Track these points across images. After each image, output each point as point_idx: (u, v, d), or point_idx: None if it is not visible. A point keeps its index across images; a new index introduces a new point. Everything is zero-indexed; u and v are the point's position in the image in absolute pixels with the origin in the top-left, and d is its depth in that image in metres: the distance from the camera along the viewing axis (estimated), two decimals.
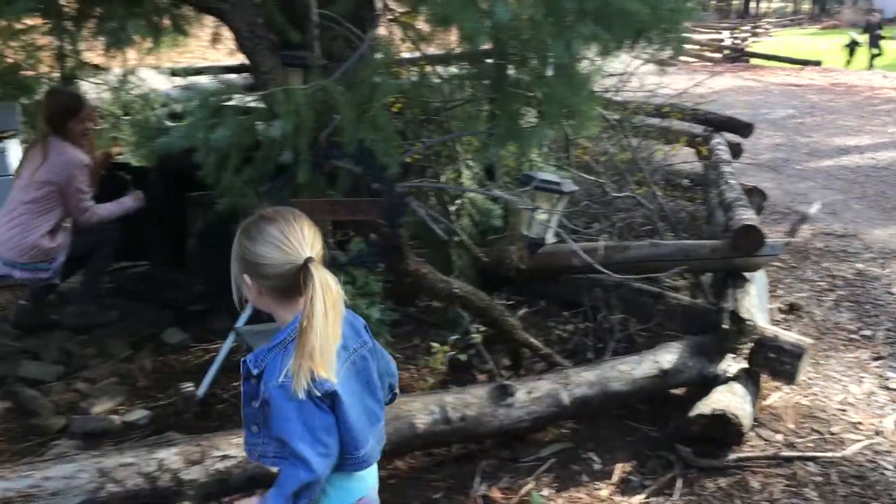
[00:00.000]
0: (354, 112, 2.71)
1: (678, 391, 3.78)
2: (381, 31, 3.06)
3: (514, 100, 2.76)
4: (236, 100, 2.50)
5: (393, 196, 2.65)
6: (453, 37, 3.47)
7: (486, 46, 2.67)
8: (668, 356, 3.60)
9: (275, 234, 1.77)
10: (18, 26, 5.41)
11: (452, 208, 4.32)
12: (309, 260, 1.76)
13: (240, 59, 5.62)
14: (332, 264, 2.81)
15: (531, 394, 3.24)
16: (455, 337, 4.07)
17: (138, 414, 3.55)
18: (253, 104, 2.94)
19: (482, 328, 4.03)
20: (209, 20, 5.58)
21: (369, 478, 1.99)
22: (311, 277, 1.73)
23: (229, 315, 4.09)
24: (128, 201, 4.43)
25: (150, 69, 6.34)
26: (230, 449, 2.64)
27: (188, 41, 5.76)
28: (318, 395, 1.72)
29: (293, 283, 1.77)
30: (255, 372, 1.79)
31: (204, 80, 8.38)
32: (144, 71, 6.31)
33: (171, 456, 2.54)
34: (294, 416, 1.73)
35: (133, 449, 2.57)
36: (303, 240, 1.79)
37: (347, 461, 1.86)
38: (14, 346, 4.20)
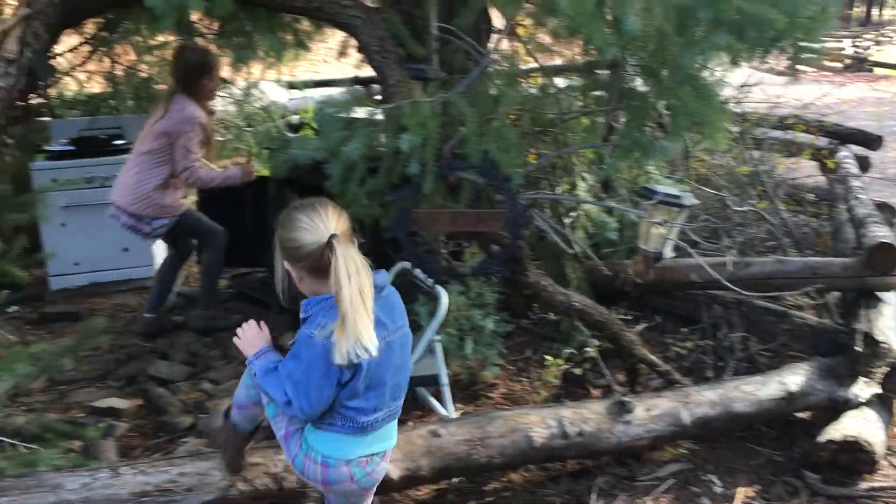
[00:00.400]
0: (478, 124, 2.73)
1: (803, 414, 3.62)
2: (501, 42, 3.06)
3: (640, 111, 2.72)
4: (365, 112, 2.55)
5: (516, 207, 2.65)
6: (574, 48, 3.45)
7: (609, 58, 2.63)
8: (795, 378, 3.45)
9: (302, 218, 2.02)
10: (153, 42, 5.73)
11: (567, 220, 4.29)
12: (333, 237, 1.98)
13: (351, 71, 5.80)
14: (453, 275, 2.84)
15: (650, 411, 3.17)
16: (569, 350, 4.04)
17: None
18: (378, 116, 2.99)
19: (597, 342, 3.98)
20: (328, 35, 5.78)
21: (375, 441, 2.21)
22: (334, 251, 1.96)
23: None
24: (235, 172, 4.36)
25: (270, 82, 6.59)
26: None
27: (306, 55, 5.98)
28: (343, 363, 1.95)
29: (323, 261, 1.99)
30: (301, 316, 2.10)
31: (326, 91, 8.67)
32: (265, 84, 6.57)
33: None
34: (300, 360, 2.04)
35: (261, 450, 2.65)
36: (327, 220, 2.02)
37: (349, 424, 2.12)
38: (144, 346, 4.41)
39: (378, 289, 2.09)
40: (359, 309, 1.95)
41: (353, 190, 2.95)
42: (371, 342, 1.96)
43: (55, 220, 4.90)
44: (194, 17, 4.94)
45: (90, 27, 4.92)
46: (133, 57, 5.93)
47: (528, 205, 2.66)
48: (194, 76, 4.07)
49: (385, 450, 2.28)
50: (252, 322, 2.37)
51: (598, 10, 2.46)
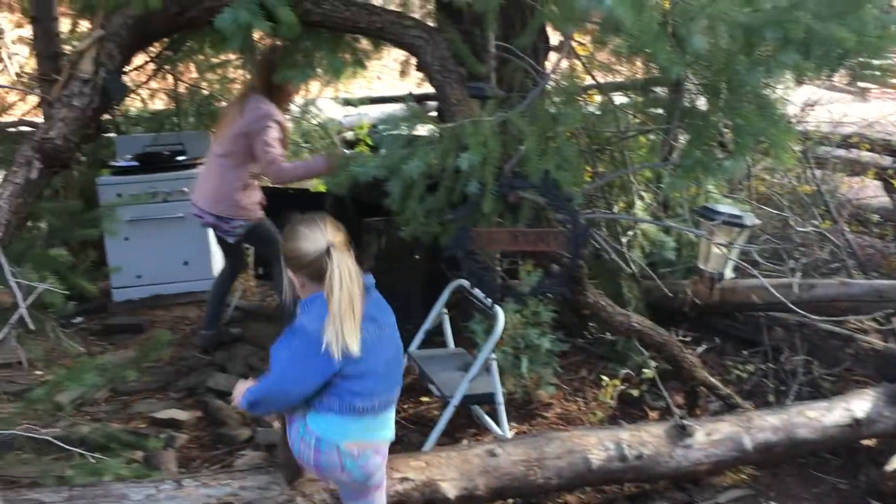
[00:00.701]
0: (538, 142, 2.73)
1: (869, 442, 3.51)
2: (556, 60, 3.05)
3: (702, 130, 2.68)
4: (426, 130, 2.57)
5: (577, 227, 2.63)
6: (634, 66, 3.43)
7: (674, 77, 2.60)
8: (861, 404, 3.35)
9: (304, 231, 2.29)
10: (215, 60, 5.85)
11: (624, 239, 4.25)
12: (330, 245, 2.24)
13: (405, 87, 5.84)
14: (511, 294, 2.83)
15: (711, 436, 3.10)
16: (625, 370, 3.99)
17: None
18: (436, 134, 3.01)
19: (654, 363, 3.93)
20: (384, 52, 5.84)
21: (369, 429, 2.36)
22: (331, 258, 2.22)
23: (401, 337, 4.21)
24: (319, 161, 4.23)
25: (327, 99, 6.68)
26: (409, 471, 2.69)
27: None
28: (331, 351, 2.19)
29: (322, 268, 2.23)
30: (298, 313, 2.33)
31: (382, 108, 8.75)
32: (322, 101, 6.66)
33: None
34: (291, 344, 2.26)
35: None
36: (325, 232, 2.28)
37: (347, 407, 2.30)
38: (203, 358, 4.49)
39: (367, 290, 2.35)
40: (346, 313, 2.21)
41: (412, 208, 2.97)
42: (354, 344, 2.21)
43: (119, 234, 5.03)
44: (257, 35, 5.07)
45: (155, 46, 5.06)
46: (195, 74, 6.07)
47: (588, 224, 2.64)
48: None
49: (378, 442, 2.41)
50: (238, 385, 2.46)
51: (662, 30, 2.44)
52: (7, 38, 10.03)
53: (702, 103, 2.88)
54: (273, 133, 3.99)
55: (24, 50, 9.61)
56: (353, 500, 2.45)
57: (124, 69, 2.84)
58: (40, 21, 5.05)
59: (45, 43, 5.05)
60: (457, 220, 2.73)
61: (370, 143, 7.58)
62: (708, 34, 2.41)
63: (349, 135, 7.86)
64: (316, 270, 2.24)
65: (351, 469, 2.32)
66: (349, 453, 2.31)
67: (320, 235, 2.26)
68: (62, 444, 2.48)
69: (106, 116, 5.73)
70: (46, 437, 2.47)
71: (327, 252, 2.23)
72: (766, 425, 3.20)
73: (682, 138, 3.58)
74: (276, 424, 3.30)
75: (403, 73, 3.83)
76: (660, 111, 4.25)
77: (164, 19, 2.79)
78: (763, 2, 2.42)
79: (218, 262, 5.57)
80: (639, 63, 3.23)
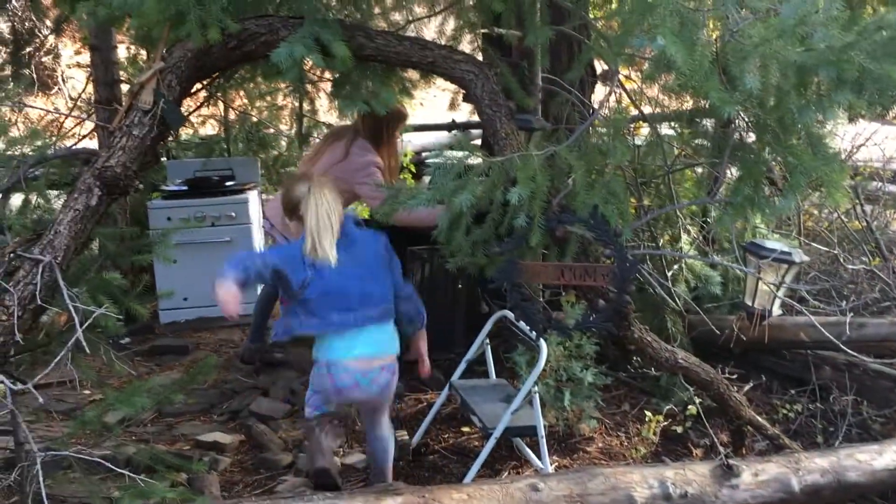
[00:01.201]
0: (586, 177, 2.74)
1: None
2: (605, 94, 3.06)
3: (753, 167, 2.67)
4: (477, 163, 2.60)
5: (624, 262, 2.63)
6: (683, 101, 3.43)
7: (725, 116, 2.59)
8: None
9: (295, 181, 2.92)
10: (265, 88, 5.99)
11: (669, 273, 4.22)
12: (310, 186, 2.80)
13: (447, 115, 5.90)
14: (557, 328, 2.83)
15: (758, 476, 3.05)
16: (669, 406, 3.95)
17: (356, 457, 3.71)
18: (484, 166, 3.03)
19: (699, 399, 3.88)
20: (430, 82, 5.91)
21: (363, 344, 2.86)
22: (310, 192, 2.78)
23: (441, 369, 4.22)
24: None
25: None
26: (451, 503, 2.68)
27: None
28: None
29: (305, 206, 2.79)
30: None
31: (423, 136, 8.84)
32: None
33: None
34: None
35: (363, 493, 2.68)
36: (310, 181, 2.84)
37: (325, 322, 2.79)
38: (247, 381, 4.55)
39: (344, 233, 2.82)
40: (324, 229, 2.75)
41: (458, 239, 2.99)
42: (331, 254, 2.74)
43: (171, 260, 5.13)
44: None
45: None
46: (245, 101, 6.21)
47: (636, 260, 2.64)
48: (386, 121, 4.21)
49: (380, 357, 2.92)
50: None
51: (713, 68, 2.45)
52: (63, 62, 10.35)
53: (751, 138, 2.87)
54: (378, 178, 4.19)
55: (79, 74, 9.93)
56: (372, 421, 3.08)
57: (183, 100, 2.91)
58: (99, 50, 5.21)
59: (103, 71, 5.21)
60: (504, 253, 2.74)
61: (413, 169, 7.67)
62: (760, 72, 2.41)
63: None
64: (302, 210, 2.80)
65: (365, 384, 2.85)
66: (356, 370, 2.82)
67: (305, 184, 2.83)
68: (111, 466, 2.51)
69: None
70: (97, 459, 2.51)
71: (308, 190, 2.78)
72: (814, 467, 3.13)
73: (730, 172, 3.57)
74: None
75: (453, 106, 3.87)
76: (706, 143, 4.25)
77: (223, 52, 2.86)
78: (816, 41, 2.41)
79: (262, 286, 5.65)
80: (688, 98, 3.24)
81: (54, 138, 4.60)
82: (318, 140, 6.16)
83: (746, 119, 2.68)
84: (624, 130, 3.22)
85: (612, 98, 3.66)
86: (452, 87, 3.60)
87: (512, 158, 2.64)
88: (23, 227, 2.72)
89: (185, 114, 5.74)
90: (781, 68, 2.48)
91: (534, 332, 3.42)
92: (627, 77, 4.48)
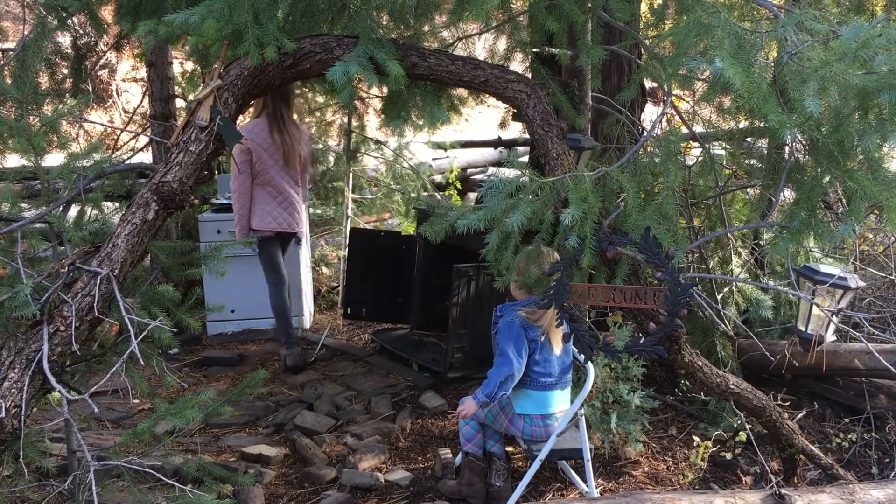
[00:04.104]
0: (638, 197, 2.71)
1: None
2: (658, 115, 3.03)
3: (811, 191, 2.62)
4: (528, 182, 2.59)
5: (676, 285, 2.59)
6: (736, 122, 3.39)
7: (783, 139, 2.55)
8: None
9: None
10: (314, 104, 6.06)
11: (719, 296, 4.16)
12: None
13: (493, 131, 5.90)
14: (606, 351, 2.79)
15: None
16: (717, 431, 3.87)
17: (400, 474, 3.71)
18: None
19: (749, 426, 3.80)
20: (479, 99, 5.93)
21: (557, 401, 3.35)
22: None
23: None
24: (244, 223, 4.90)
25: (419, 142, 6.81)
26: None
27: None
28: (528, 336, 3.20)
29: None
30: (499, 314, 3.34)
31: (470, 152, 8.84)
32: (415, 144, 6.79)
33: None
34: (510, 334, 3.20)
35: None
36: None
37: (537, 382, 3.28)
38: (291, 395, 4.58)
39: None
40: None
41: (507, 258, 2.97)
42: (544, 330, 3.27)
43: (224, 273, 5.21)
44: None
45: None
46: (295, 117, 6.28)
47: (689, 283, 2.60)
48: (273, 101, 4.61)
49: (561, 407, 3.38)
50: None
51: (771, 90, 2.41)
52: (118, 76, 10.60)
53: (810, 164, 2.82)
54: (237, 157, 4.60)
55: (133, 87, 10.15)
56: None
57: (239, 117, 2.96)
58: (155, 66, 5.33)
59: (159, 86, 5.32)
60: (553, 274, 2.72)
61: (459, 186, 7.69)
62: (819, 95, 2.37)
63: (438, 178, 7.99)
64: None
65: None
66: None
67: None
68: (160, 476, 2.54)
69: None
70: (148, 470, 2.54)
71: None
72: (870, 499, 3.03)
73: (784, 195, 3.51)
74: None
75: (503, 125, 3.87)
76: (759, 165, 4.18)
77: (278, 71, 2.90)
78: (878, 65, 2.36)
79: (309, 298, 5.71)
80: (742, 119, 3.20)
81: (110, 152, 4.69)
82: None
83: (804, 142, 2.63)
84: (678, 154, 3.18)
85: (664, 119, 3.64)
86: (500, 104, 3.60)
87: (563, 179, 2.63)
88: (81, 239, 2.78)
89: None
90: (842, 91, 2.44)
91: (581, 354, 3.40)
92: (678, 97, 4.44)
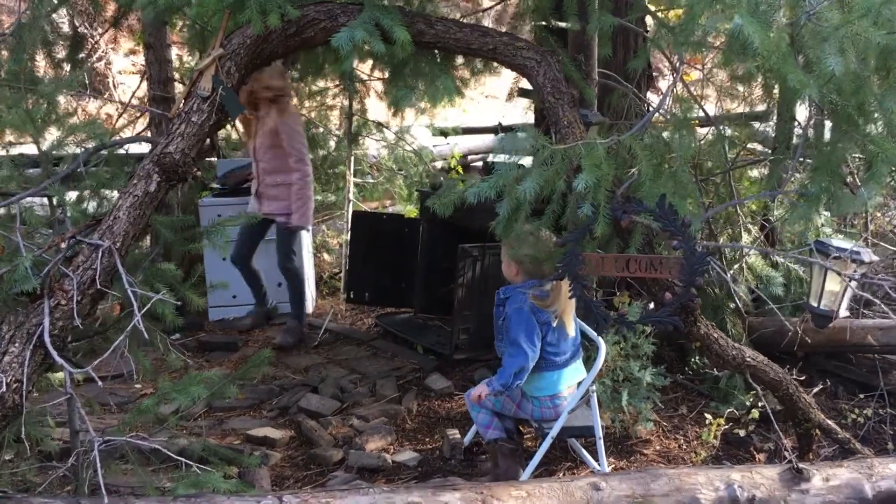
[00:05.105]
0: (652, 167, 2.64)
1: None
2: (670, 84, 2.96)
3: (830, 158, 2.55)
4: (543, 150, 2.52)
5: (693, 254, 2.53)
6: (750, 92, 3.33)
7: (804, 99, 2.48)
8: None
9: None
10: (314, 87, 5.98)
11: (729, 272, 4.09)
12: None
13: (494, 117, 5.84)
14: (621, 323, 2.73)
15: (829, 481, 2.91)
16: (730, 409, 3.82)
17: (407, 455, 3.65)
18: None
19: (761, 403, 3.75)
20: (481, 81, 5.85)
21: (567, 379, 3.29)
22: None
23: (491, 368, 4.14)
24: None
25: (421, 126, 6.74)
26: (510, 501, 2.59)
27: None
28: (539, 320, 3.12)
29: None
30: (503, 296, 3.27)
31: (471, 138, 8.77)
32: (416, 128, 6.72)
33: (454, 500, 2.54)
34: (520, 321, 3.11)
35: (420, 488, 2.61)
36: None
37: (550, 362, 3.20)
38: (295, 378, 4.52)
39: None
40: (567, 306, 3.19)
41: (518, 231, 2.92)
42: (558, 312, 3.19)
43: (217, 254, 5.14)
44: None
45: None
46: (295, 101, 6.21)
47: (706, 252, 2.53)
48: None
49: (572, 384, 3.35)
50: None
51: (790, 51, 2.35)
52: (114, 68, 10.52)
53: (828, 130, 2.75)
54: None
55: (131, 80, 10.07)
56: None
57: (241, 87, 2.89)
58: (154, 48, 5.25)
59: (157, 69, 5.24)
60: (566, 244, 2.65)
61: (461, 171, 7.61)
62: (840, 55, 2.30)
63: (439, 164, 7.91)
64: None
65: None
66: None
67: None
68: (169, 453, 2.48)
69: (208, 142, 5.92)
70: (155, 446, 2.48)
71: None
72: (888, 473, 2.98)
73: (795, 171, 3.45)
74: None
75: (511, 96, 3.81)
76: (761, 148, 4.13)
77: (281, 39, 2.83)
78: None
79: (311, 284, 5.64)
80: (757, 87, 3.14)
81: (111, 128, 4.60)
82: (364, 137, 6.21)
83: (821, 105, 2.56)
84: (690, 124, 3.11)
85: (674, 91, 3.57)
86: (499, 94, 3.53)
87: (576, 146, 2.56)
88: (81, 213, 2.71)
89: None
90: (862, 52, 2.37)
91: (592, 331, 3.35)
92: (687, 73, 4.37)
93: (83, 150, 2.78)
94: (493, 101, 12.98)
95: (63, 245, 2.54)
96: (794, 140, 3.58)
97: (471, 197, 2.51)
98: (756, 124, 4.86)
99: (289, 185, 4.76)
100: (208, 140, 2.97)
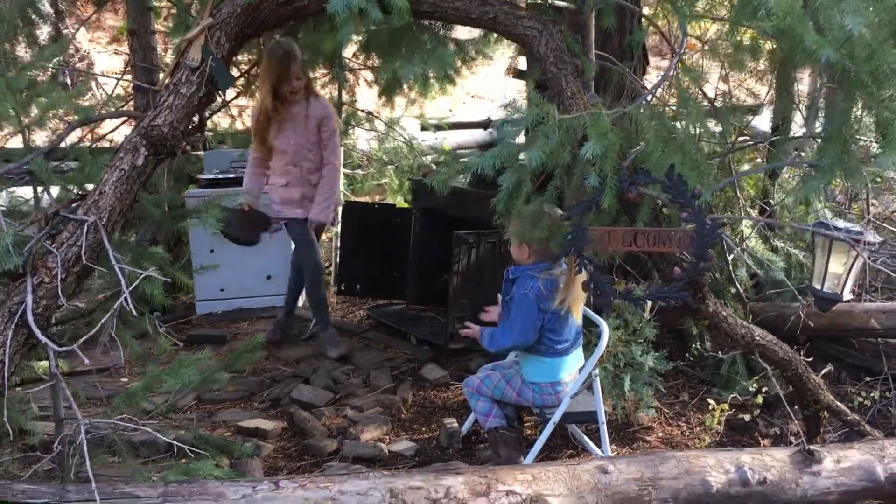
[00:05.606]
0: (660, 138, 2.56)
1: None
2: (677, 51, 2.87)
3: (844, 126, 2.47)
4: (548, 119, 2.42)
5: (703, 227, 2.44)
6: (756, 66, 3.26)
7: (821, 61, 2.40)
8: None
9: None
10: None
11: (730, 257, 4.02)
12: None
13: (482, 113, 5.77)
14: (627, 299, 2.64)
15: (840, 463, 2.83)
16: (732, 395, 3.74)
17: (404, 445, 3.55)
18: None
19: (765, 388, 3.67)
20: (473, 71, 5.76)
21: (568, 366, 3.19)
22: None
23: (485, 356, 4.04)
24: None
25: (411, 119, 6.64)
26: (515, 484, 2.50)
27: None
28: (543, 308, 3.02)
29: None
30: (511, 277, 3.14)
31: (459, 133, 8.68)
32: (406, 120, 6.63)
33: (457, 484, 2.44)
34: (521, 309, 3.03)
35: (422, 473, 2.51)
36: None
37: (551, 349, 3.12)
38: (286, 370, 4.40)
39: None
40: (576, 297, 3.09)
41: (518, 208, 2.83)
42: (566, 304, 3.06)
43: (204, 247, 5.02)
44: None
45: (245, 63, 5.08)
46: None
47: (717, 224, 2.45)
48: None
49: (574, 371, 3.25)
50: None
51: (804, 13, 2.27)
52: (96, 68, 10.38)
53: (841, 98, 2.66)
54: None
55: (112, 82, 9.94)
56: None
57: (232, 58, 2.78)
58: (138, 35, 5.13)
59: (142, 55, 5.12)
60: (572, 217, 2.56)
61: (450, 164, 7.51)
62: (856, 16, 2.22)
63: (429, 158, 7.81)
64: None
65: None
66: None
67: None
68: (158, 436, 2.36)
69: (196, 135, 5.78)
70: (147, 430, 2.35)
71: None
72: None
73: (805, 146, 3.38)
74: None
75: (509, 70, 3.71)
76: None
77: (273, 8, 2.72)
78: None
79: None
80: (763, 62, 3.06)
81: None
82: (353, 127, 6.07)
83: (835, 72, 2.48)
84: (697, 92, 3.02)
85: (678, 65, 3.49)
86: (485, 92, 3.44)
87: (580, 116, 2.47)
88: (64, 189, 2.59)
89: (224, 103, 5.68)
90: (876, 14, 2.30)
91: (595, 314, 3.26)
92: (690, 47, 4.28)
93: (67, 124, 2.65)
94: (479, 101, 12.97)
95: (46, 221, 2.42)
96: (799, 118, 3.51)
97: (474, 168, 2.41)
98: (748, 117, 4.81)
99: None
100: (196, 117, 2.86)
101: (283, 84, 4.14)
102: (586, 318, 3.30)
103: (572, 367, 3.23)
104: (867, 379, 3.85)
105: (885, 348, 3.94)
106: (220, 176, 5.33)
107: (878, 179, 4.58)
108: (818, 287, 3.43)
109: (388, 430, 3.70)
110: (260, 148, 4.40)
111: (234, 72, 4.26)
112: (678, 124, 2.78)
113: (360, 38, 4.64)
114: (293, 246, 4.74)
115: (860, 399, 3.66)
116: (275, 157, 4.40)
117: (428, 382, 4.20)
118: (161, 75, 5.41)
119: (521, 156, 2.49)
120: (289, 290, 4.86)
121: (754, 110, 4.98)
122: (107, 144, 3.99)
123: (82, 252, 2.35)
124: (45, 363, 2.63)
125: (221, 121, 6.35)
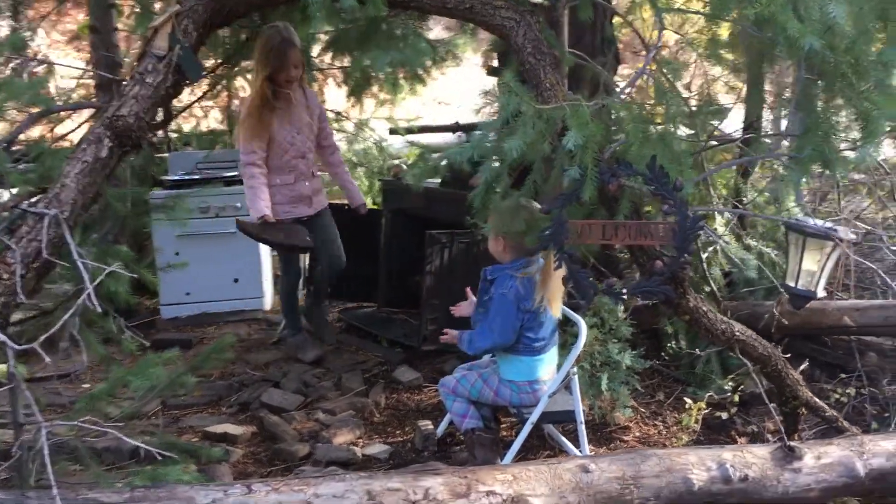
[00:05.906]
0: (640, 129, 2.52)
1: None
2: (657, 42, 2.84)
3: (823, 117, 2.46)
4: (527, 110, 2.37)
5: (685, 219, 2.41)
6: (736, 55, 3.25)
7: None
8: None
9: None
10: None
11: (703, 255, 4.00)
12: None
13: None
14: (608, 294, 2.59)
15: (821, 459, 2.81)
16: (708, 394, 3.71)
17: (378, 448, 3.46)
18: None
19: (742, 386, 3.66)
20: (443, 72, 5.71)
21: (545, 366, 3.15)
22: None
23: (459, 357, 3.98)
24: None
25: (381, 121, 6.56)
26: (496, 485, 2.43)
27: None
28: (522, 308, 2.98)
29: None
30: (489, 278, 3.08)
31: (427, 137, 8.61)
32: (375, 122, 6.55)
33: (437, 485, 2.37)
34: (501, 309, 2.98)
35: (400, 474, 2.43)
36: None
37: (529, 348, 3.08)
38: (255, 374, 4.29)
39: None
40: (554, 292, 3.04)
41: (495, 203, 2.78)
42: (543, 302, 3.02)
43: (169, 249, 4.89)
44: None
45: (210, 62, 4.96)
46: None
47: (699, 216, 2.41)
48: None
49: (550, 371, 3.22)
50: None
51: (787, 1, 2.25)
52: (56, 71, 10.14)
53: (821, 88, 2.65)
54: None
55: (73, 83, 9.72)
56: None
57: (200, 47, 2.68)
58: (99, 32, 5.00)
59: (104, 52, 4.98)
60: (552, 211, 2.50)
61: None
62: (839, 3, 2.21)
63: (397, 161, 7.74)
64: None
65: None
66: None
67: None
68: (123, 437, 2.25)
69: (160, 134, 5.63)
70: (111, 432, 2.24)
71: None
72: (879, 450, 2.90)
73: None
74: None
75: (486, 63, 3.66)
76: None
77: None
78: None
79: (268, 279, 5.41)
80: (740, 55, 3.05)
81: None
82: None
83: (815, 63, 2.46)
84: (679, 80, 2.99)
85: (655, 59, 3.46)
86: (451, 98, 3.40)
87: (560, 107, 2.42)
88: (24, 182, 2.48)
89: (189, 104, 5.54)
90: (857, 4, 2.29)
91: (573, 313, 3.21)
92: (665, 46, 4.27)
93: (28, 115, 2.54)
94: (445, 107, 12.94)
95: (4, 214, 2.30)
96: (769, 114, 3.50)
97: (452, 159, 2.35)
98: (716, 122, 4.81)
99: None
100: (162, 110, 2.77)
101: (281, 73, 3.87)
102: (563, 317, 3.25)
103: (550, 365, 3.18)
104: (842, 376, 3.85)
105: (859, 345, 3.95)
106: (186, 177, 5.20)
107: (846, 181, 4.60)
108: (792, 284, 3.43)
109: (361, 433, 3.61)
110: (261, 145, 4.02)
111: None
112: (656, 119, 2.75)
113: (328, 36, 4.60)
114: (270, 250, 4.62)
115: (836, 396, 3.65)
116: (272, 154, 4.11)
117: (401, 385, 4.12)
118: (124, 72, 5.29)
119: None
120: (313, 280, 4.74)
121: (722, 112, 5.00)
122: (66, 144, 3.87)
123: (42, 247, 2.24)
124: (2, 366, 2.51)
125: (184, 124, 6.22)
